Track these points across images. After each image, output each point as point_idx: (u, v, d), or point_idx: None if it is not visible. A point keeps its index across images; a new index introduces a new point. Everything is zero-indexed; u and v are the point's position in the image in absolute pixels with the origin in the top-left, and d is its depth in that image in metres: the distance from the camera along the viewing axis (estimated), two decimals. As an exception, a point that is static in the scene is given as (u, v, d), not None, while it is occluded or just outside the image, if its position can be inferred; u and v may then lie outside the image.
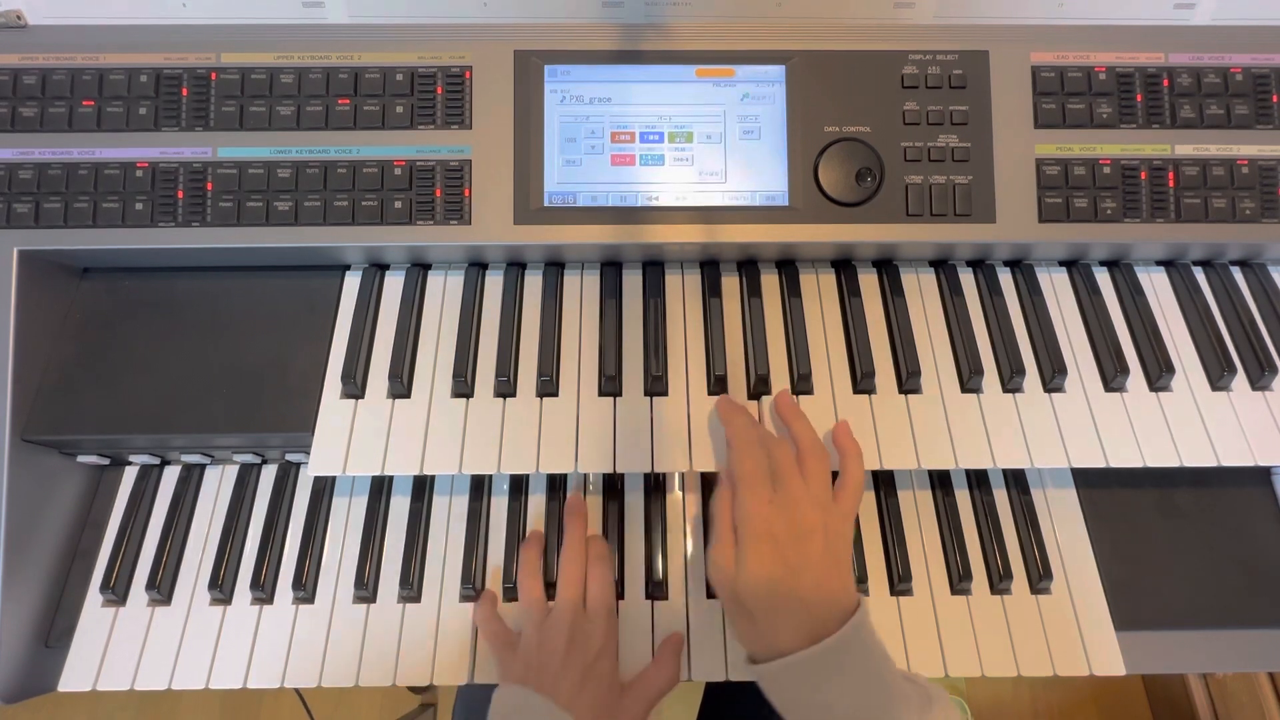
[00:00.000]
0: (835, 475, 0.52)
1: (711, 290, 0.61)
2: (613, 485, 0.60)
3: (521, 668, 0.51)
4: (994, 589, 0.57)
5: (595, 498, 0.60)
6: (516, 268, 0.62)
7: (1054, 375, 0.57)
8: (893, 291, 0.61)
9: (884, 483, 0.60)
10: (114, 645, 0.55)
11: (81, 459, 0.60)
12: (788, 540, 0.47)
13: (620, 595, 0.56)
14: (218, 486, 0.61)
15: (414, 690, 1.29)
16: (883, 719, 0.43)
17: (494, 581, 0.57)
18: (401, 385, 0.57)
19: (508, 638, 0.54)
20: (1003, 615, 0.56)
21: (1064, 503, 0.60)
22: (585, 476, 0.61)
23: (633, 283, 0.62)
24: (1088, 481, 0.60)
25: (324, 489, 0.60)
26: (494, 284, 0.62)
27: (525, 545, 0.57)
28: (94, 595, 0.57)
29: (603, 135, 0.58)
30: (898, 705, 0.44)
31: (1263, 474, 0.61)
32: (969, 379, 0.57)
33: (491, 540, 0.59)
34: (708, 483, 0.60)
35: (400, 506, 0.60)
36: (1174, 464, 0.55)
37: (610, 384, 0.57)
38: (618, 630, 0.54)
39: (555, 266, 0.62)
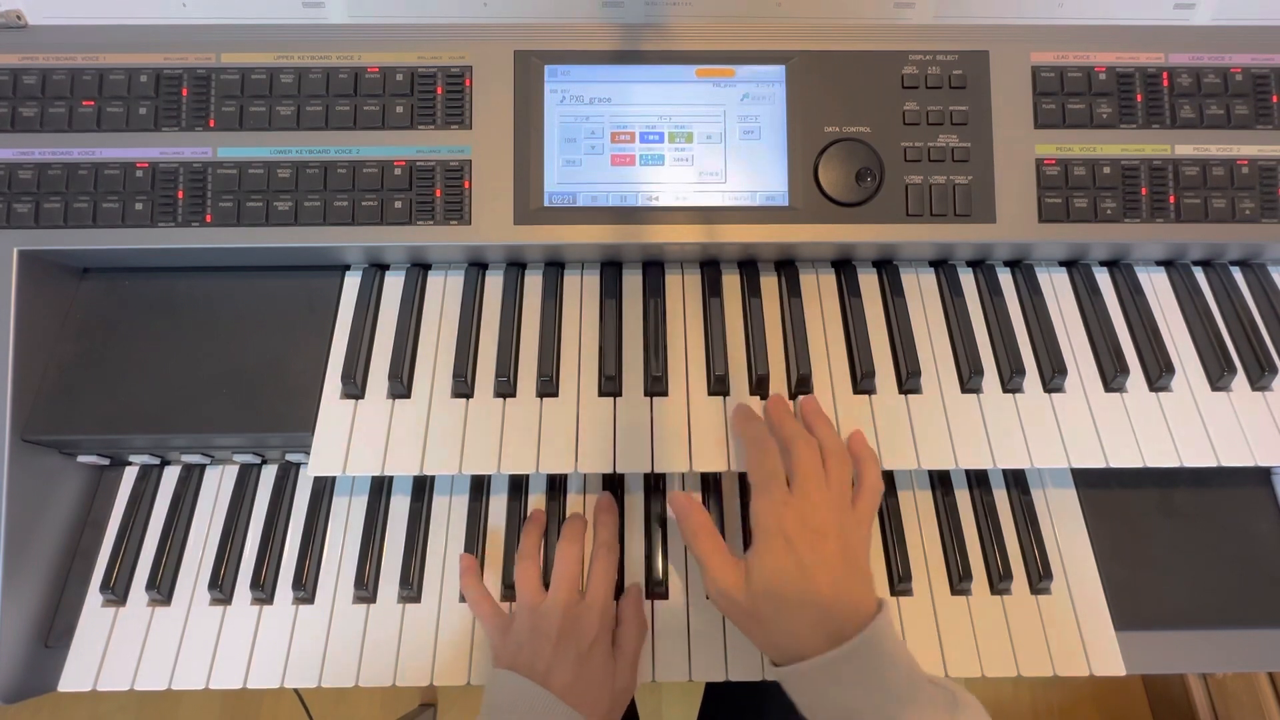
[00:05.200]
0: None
1: (711, 290, 0.61)
2: (613, 485, 0.60)
3: (513, 653, 0.51)
4: (994, 589, 0.57)
5: (595, 497, 0.60)
6: (516, 268, 0.62)
7: (1054, 375, 0.57)
8: (893, 291, 0.61)
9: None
10: (114, 645, 0.55)
11: (81, 459, 0.60)
12: (802, 540, 0.47)
13: (620, 595, 0.56)
14: (218, 486, 0.61)
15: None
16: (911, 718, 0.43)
17: (493, 578, 0.57)
18: (401, 385, 0.57)
19: (501, 620, 0.54)
20: (1003, 615, 0.56)
21: (1064, 503, 0.60)
22: (585, 477, 0.61)
23: (633, 283, 0.62)
24: (1088, 481, 0.61)
25: (324, 489, 0.60)
26: (494, 284, 0.62)
27: (526, 526, 0.58)
28: (94, 595, 0.57)
29: (603, 135, 0.58)
30: (923, 708, 0.43)
31: (1263, 474, 0.61)
32: (969, 379, 0.57)
33: (491, 540, 0.59)
34: (709, 484, 0.60)
35: (400, 506, 0.60)
36: (1174, 464, 0.55)
37: (610, 384, 0.57)
38: (613, 617, 0.54)
39: (555, 266, 0.62)
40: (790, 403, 0.56)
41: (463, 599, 0.57)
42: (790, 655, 0.46)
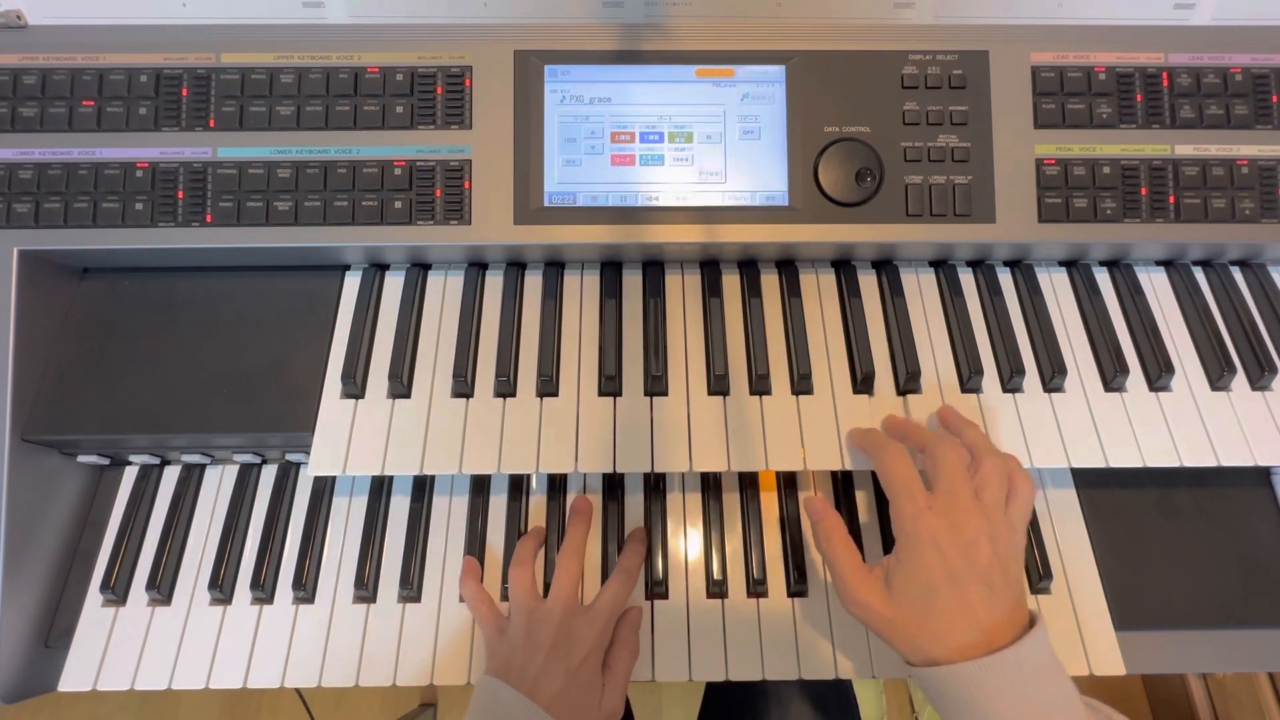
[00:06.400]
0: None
1: (711, 290, 0.61)
2: (613, 485, 0.60)
3: (504, 657, 0.51)
4: (994, 589, 0.57)
5: (595, 497, 0.60)
6: (516, 268, 0.62)
7: (1054, 375, 0.57)
8: (893, 291, 0.61)
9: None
10: (114, 645, 0.55)
11: (81, 459, 0.60)
12: (954, 549, 0.44)
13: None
14: (218, 486, 0.61)
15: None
16: None
17: (492, 580, 0.57)
18: (401, 385, 0.57)
19: (498, 621, 0.54)
20: (1003, 615, 0.56)
21: (1064, 503, 0.60)
22: (584, 477, 0.61)
23: (633, 283, 0.62)
24: (1088, 481, 0.60)
25: (324, 489, 0.60)
26: (494, 284, 0.62)
27: (522, 539, 0.58)
28: (94, 595, 0.57)
29: (603, 135, 0.58)
30: None
31: (1263, 474, 0.61)
32: (969, 379, 0.57)
33: (491, 540, 0.59)
34: (708, 483, 0.60)
35: (400, 506, 0.60)
36: (1174, 464, 0.55)
37: (610, 384, 0.57)
38: (609, 638, 0.54)
39: (555, 266, 0.62)
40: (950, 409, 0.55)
41: (462, 599, 0.57)
42: (931, 659, 0.44)
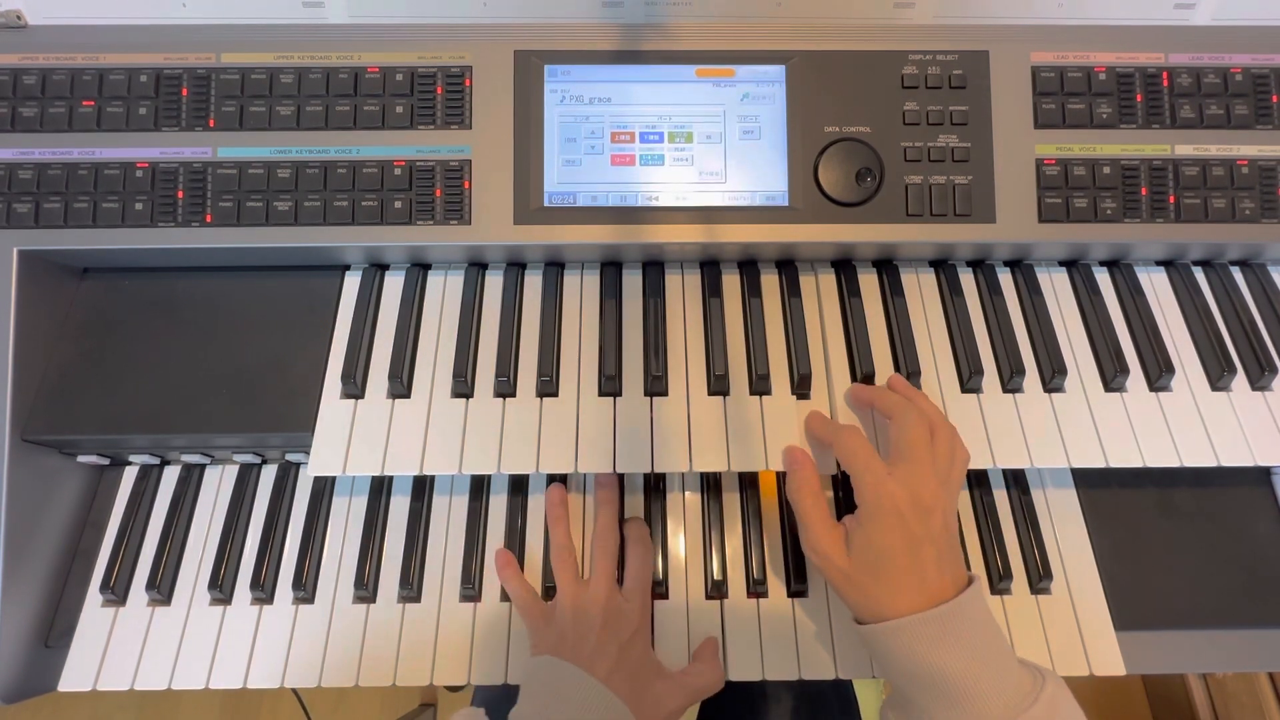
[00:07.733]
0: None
1: (711, 290, 0.61)
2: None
3: (554, 639, 0.52)
4: (994, 589, 0.57)
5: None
6: (516, 268, 0.62)
7: (1054, 375, 0.57)
8: (893, 291, 0.61)
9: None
10: (114, 645, 0.55)
11: (81, 459, 0.60)
12: (913, 515, 0.47)
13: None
14: (218, 486, 0.61)
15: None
16: (997, 686, 0.43)
17: (491, 580, 0.57)
18: (401, 385, 0.57)
19: (542, 608, 0.55)
20: (1002, 615, 0.56)
21: (1064, 503, 0.60)
22: (585, 477, 0.61)
23: (633, 283, 0.62)
24: (1088, 481, 0.61)
25: (324, 489, 0.60)
26: (494, 284, 0.62)
27: (552, 516, 0.58)
28: (94, 595, 0.57)
29: (603, 135, 0.58)
30: (1011, 675, 0.44)
31: (1263, 474, 0.61)
32: (969, 379, 0.57)
33: (491, 540, 0.59)
34: (708, 483, 0.60)
35: (400, 506, 0.60)
36: (1174, 464, 0.55)
37: (610, 384, 0.57)
38: (651, 611, 0.55)
39: (555, 266, 0.62)
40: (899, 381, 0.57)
41: (465, 598, 0.57)
42: (881, 616, 0.46)
